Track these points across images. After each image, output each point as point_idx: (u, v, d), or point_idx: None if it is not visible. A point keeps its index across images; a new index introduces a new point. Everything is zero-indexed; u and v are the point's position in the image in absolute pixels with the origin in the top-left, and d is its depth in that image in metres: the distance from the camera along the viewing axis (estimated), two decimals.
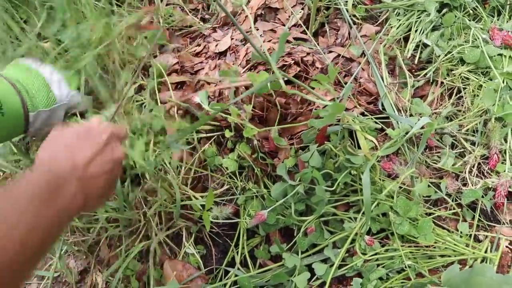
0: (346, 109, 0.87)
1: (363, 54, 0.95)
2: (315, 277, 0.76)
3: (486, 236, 0.79)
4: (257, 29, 0.99)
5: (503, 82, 0.87)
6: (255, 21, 1.02)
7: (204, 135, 0.88)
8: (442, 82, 0.92)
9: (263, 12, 1.03)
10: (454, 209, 0.81)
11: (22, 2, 0.86)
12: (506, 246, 0.77)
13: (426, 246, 0.77)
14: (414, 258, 0.76)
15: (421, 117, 0.84)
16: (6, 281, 0.34)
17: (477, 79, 0.90)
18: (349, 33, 1.00)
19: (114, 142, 0.53)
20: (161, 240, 0.84)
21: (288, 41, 0.96)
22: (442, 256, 0.76)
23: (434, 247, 0.77)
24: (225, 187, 0.85)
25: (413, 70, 0.95)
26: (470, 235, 0.79)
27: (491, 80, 0.89)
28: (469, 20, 0.95)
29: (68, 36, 0.72)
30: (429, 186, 0.82)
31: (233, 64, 0.94)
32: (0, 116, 0.60)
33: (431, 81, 0.94)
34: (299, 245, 0.77)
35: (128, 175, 0.81)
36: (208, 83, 0.92)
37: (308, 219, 0.77)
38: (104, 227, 0.86)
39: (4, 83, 0.63)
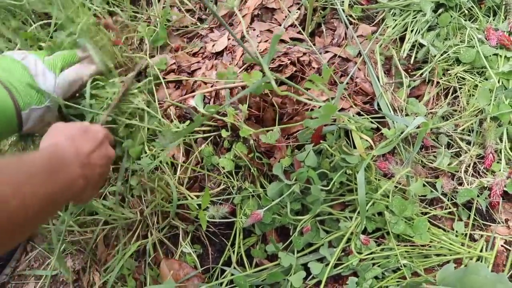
0: (342, 109, 0.88)
1: (359, 54, 0.95)
2: (311, 276, 0.77)
3: (482, 235, 0.79)
4: (254, 30, 1.00)
5: (498, 81, 0.87)
6: (252, 21, 1.02)
7: (201, 135, 0.88)
8: (438, 82, 0.93)
9: (259, 12, 1.03)
10: (449, 208, 0.81)
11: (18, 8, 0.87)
12: (501, 245, 0.77)
13: (422, 245, 0.77)
14: (410, 257, 0.76)
15: (417, 116, 0.85)
16: (4, 229, 0.37)
17: (473, 79, 0.90)
18: (345, 33, 1.00)
19: (107, 142, 0.60)
20: (158, 240, 0.85)
21: (284, 41, 0.96)
22: (437, 255, 0.76)
23: (430, 246, 0.77)
24: (222, 186, 0.86)
25: (409, 70, 0.95)
26: (466, 234, 0.79)
27: (486, 80, 0.90)
28: (465, 20, 0.96)
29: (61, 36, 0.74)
30: (424, 185, 0.82)
31: (229, 64, 0.94)
32: None
33: (427, 81, 0.94)
34: (295, 244, 0.77)
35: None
36: (205, 83, 0.92)
37: (304, 218, 0.77)
38: (101, 227, 0.86)
39: None
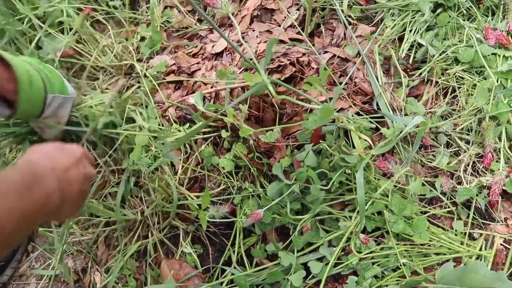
0: (341, 109, 0.88)
1: (358, 54, 0.96)
2: (311, 275, 0.77)
3: (481, 234, 0.79)
4: (253, 30, 1.00)
5: (497, 81, 0.87)
6: (251, 22, 1.03)
7: (201, 136, 0.88)
8: (436, 82, 0.93)
9: (259, 13, 1.04)
10: (449, 207, 0.81)
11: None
12: (501, 244, 0.78)
13: (421, 244, 0.77)
14: (409, 256, 0.76)
15: (415, 116, 0.85)
16: None
17: (472, 78, 0.91)
18: (344, 34, 1.01)
19: (86, 160, 0.58)
20: (158, 240, 0.85)
21: (284, 42, 0.96)
22: (437, 254, 0.77)
23: (429, 245, 0.77)
24: (222, 186, 0.86)
25: (408, 70, 0.96)
26: (465, 233, 0.79)
27: (485, 79, 0.90)
28: (463, 20, 0.96)
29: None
30: (424, 184, 0.82)
31: (229, 65, 0.94)
32: (31, 90, 0.62)
33: (425, 80, 0.94)
34: (295, 244, 0.78)
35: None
36: (205, 84, 0.93)
37: (304, 218, 0.78)
38: (102, 228, 0.87)
39: (27, 63, 0.65)
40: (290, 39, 0.97)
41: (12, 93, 0.61)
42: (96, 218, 0.87)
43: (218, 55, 0.98)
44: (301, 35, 0.98)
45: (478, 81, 0.90)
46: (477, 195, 0.81)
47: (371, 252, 0.76)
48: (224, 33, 1.01)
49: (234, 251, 0.83)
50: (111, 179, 0.86)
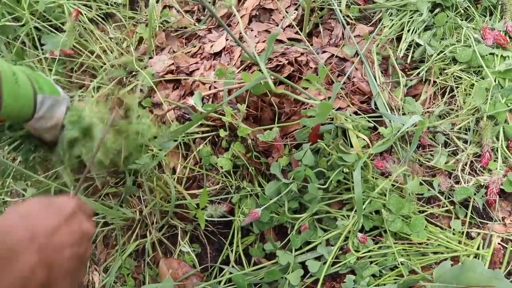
0: (339, 108, 0.88)
1: (356, 54, 0.96)
2: (308, 274, 0.77)
3: (479, 233, 0.79)
4: (252, 30, 1.00)
5: (494, 80, 0.87)
6: (250, 21, 1.03)
7: (199, 135, 0.89)
8: (434, 81, 0.93)
9: (257, 13, 1.04)
10: (446, 206, 0.82)
11: None
12: (498, 243, 0.78)
13: (419, 243, 0.77)
14: (407, 255, 0.76)
15: (413, 115, 0.85)
16: None
17: (469, 78, 0.91)
18: (342, 33, 1.01)
19: (81, 215, 0.47)
20: (157, 239, 0.85)
21: (282, 42, 0.97)
22: (434, 253, 0.77)
23: (427, 244, 0.77)
24: (220, 185, 0.86)
25: (406, 70, 0.96)
26: (463, 232, 0.79)
27: (483, 79, 0.90)
28: (461, 20, 0.96)
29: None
30: (421, 183, 0.82)
31: (228, 64, 0.95)
32: (16, 86, 0.60)
33: (423, 80, 0.94)
34: (293, 243, 0.78)
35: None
36: (203, 83, 0.93)
37: (302, 217, 0.78)
38: (100, 228, 0.87)
39: (12, 66, 0.64)
40: (289, 39, 0.98)
41: None
42: (94, 217, 0.87)
43: (217, 55, 0.99)
44: (299, 35, 0.99)
45: (476, 81, 0.90)
46: (475, 194, 0.81)
47: (369, 251, 0.77)
48: (223, 33, 1.02)
49: (232, 250, 0.83)
50: (109, 180, 0.86)
